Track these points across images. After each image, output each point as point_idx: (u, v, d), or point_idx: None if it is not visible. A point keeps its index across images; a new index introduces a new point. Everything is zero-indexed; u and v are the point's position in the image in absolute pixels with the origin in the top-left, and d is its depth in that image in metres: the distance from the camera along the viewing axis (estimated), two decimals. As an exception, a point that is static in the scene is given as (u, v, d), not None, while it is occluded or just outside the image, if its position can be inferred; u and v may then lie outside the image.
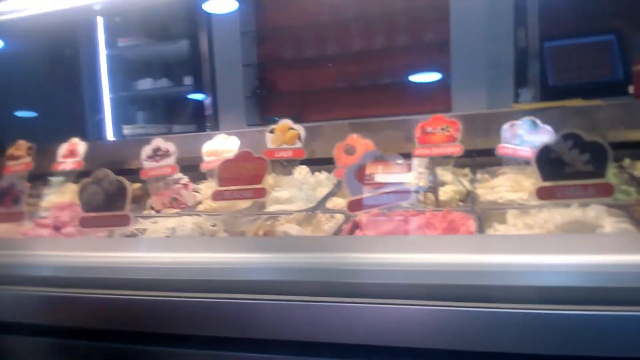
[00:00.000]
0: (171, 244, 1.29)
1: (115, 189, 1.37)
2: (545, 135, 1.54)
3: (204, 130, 4.88)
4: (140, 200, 2.18)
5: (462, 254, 0.96)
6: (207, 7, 3.67)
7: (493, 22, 3.91)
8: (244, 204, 1.88)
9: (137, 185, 2.25)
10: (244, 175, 1.34)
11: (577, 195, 1.03)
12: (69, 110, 5.31)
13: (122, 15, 5.09)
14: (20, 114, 4.79)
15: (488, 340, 0.85)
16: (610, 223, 1.21)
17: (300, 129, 1.90)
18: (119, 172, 1.69)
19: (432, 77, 4.54)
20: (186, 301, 0.98)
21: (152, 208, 2.03)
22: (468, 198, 1.65)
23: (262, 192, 1.35)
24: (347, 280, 0.93)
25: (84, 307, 1.03)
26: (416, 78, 4.61)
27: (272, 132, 1.93)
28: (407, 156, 1.81)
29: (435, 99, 4.33)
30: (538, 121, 1.65)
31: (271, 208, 1.83)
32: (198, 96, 5.21)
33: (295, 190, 1.88)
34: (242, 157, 1.38)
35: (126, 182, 1.37)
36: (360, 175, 1.20)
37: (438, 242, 1.14)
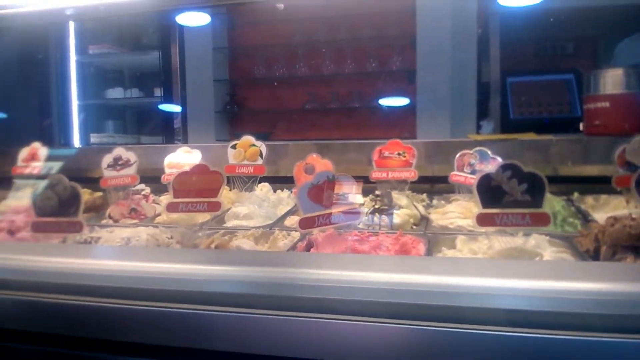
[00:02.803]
0: (123, 252, 1.28)
1: (69, 195, 1.37)
2: (495, 165, 1.61)
3: (173, 143, 4.86)
4: (100, 209, 2.16)
5: (410, 274, 0.99)
6: (180, 19, 3.69)
7: (457, 55, 4.07)
8: (202, 217, 1.89)
9: (99, 194, 2.24)
10: (200, 189, 1.36)
11: (515, 223, 1.08)
12: (37, 115, 5.20)
13: (94, 23, 5.06)
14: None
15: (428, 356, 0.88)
16: (550, 252, 1.27)
17: (262, 145, 1.93)
18: (81, 179, 1.68)
19: (399, 102, 4.67)
20: (134, 309, 0.98)
21: (110, 217, 2.01)
22: (422, 222, 1.70)
23: (216, 206, 1.36)
24: (295, 295, 0.95)
25: (29, 310, 1.02)
26: (384, 103, 4.73)
27: (234, 147, 1.95)
28: (367, 178, 1.87)
29: (401, 125, 4.44)
30: (489, 152, 1.73)
31: (230, 223, 1.84)
32: (170, 108, 5.20)
33: (254, 207, 1.89)
34: (198, 170, 1.40)
35: (80, 189, 1.36)
36: (312, 194, 1.23)
37: (385, 261, 1.17)
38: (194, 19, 3.76)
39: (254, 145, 1.93)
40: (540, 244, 1.27)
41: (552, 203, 1.81)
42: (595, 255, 1.25)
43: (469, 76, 4.08)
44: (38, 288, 1.02)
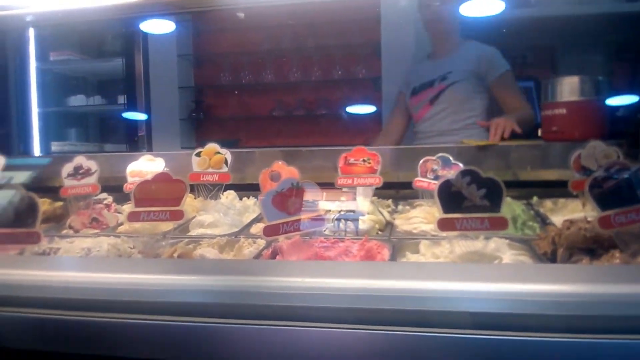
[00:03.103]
0: (82, 263, 1.25)
1: (26, 206, 1.33)
2: (457, 171, 1.65)
3: (138, 151, 4.77)
4: (61, 219, 2.10)
5: (374, 279, 1.00)
6: (144, 27, 3.63)
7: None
8: (166, 226, 1.86)
9: (59, 203, 2.18)
10: (162, 197, 1.34)
11: (475, 228, 1.11)
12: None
13: (55, 29, 4.95)
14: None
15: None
16: (509, 255, 1.30)
17: (227, 153, 1.92)
18: (41, 189, 1.63)
19: (365, 109, 4.73)
20: (94, 321, 0.96)
21: (71, 227, 1.96)
22: (387, 228, 1.72)
23: (179, 215, 1.35)
24: (259, 303, 0.95)
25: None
26: (350, 111, 4.78)
27: (198, 155, 1.93)
28: (333, 185, 1.88)
29: (367, 132, 4.49)
30: (451, 158, 1.76)
31: (194, 232, 1.82)
32: (134, 115, 5.11)
33: (219, 215, 1.88)
34: (160, 178, 1.38)
35: (37, 199, 1.33)
36: (277, 201, 1.23)
37: (348, 267, 1.18)
38: (158, 27, 3.70)
39: (218, 152, 1.92)
40: (500, 248, 1.30)
41: (512, 207, 1.86)
42: (552, 258, 1.28)
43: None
44: (-8, 302, 0.99)
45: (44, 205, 2.43)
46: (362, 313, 0.92)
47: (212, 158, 1.92)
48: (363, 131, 4.52)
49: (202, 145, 2.03)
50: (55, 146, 5.38)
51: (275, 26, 4.55)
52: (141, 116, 4.95)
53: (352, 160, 1.76)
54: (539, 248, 1.35)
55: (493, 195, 1.12)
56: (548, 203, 1.98)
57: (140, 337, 0.95)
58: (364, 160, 1.76)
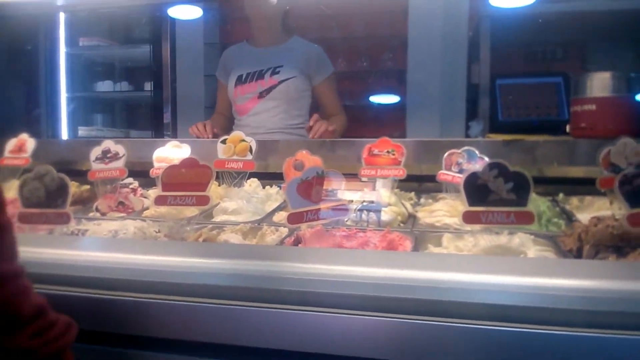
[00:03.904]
0: (110, 244, 1.28)
1: (57, 186, 1.36)
2: (482, 164, 1.63)
3: (162, 137, 4.83)
4: (87, 202, 2.15)
5: (396, 269, 1.01)
6: (172, 12, 3.66)
7: (448, 55, 4.10)
8: (190, 212, 1.89)
9: (86, 187, 2.23)
10: (188, 182, 1.36)
11: (500, 221, 1.10)
12: (25, 106, 5.16)
13: (85, 15, 5.02)
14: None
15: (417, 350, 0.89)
16: (534, 251, 1.29)
17: (251, 141, 1.93)
18: (68, 172, 1.66)
19: (390, 99, 4.69)
20: (121, 300, 0.99)
21: (97, 210, 2.00)
22: (409, 220, 1.72)
23: (205, 200, 1.37)
24: (281, 288, 0.96)
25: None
26: (375, 100, 4.76)
27: (223, 142, 1.95)
28: (356, 176, 1.88)
29: (391, 125, 4.46)
30: (476, 151, 1.75)
31: (218, 218, 1.85)
32: (159, 102, 5.17)
33: (243, 202, 1.90)
34: (187, 163, 1.40)
35: (68, 180, 1.36)
36: (301, 189, 1.24)
37: (370, 256, 1.18)
38: (186, 12, 3.75)
39: (243, 140, 1.93)
40: (525, 243, 1.29)
41: (538, 203, 1.84)
42: (578, 255, 1.27)
43: (459, 77, 4.11)
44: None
45: (72, 188, 2.50)
46: (383, 301, 0.92)
47: (237, 146, 1.93)
48: (387, 123, 4.50)
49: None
50: (82, 131, 5.48)
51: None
52: (167, 103, 5.00)
53: (376, 151, 1.76)
54: (564, 245, 1.34)
55: (520, 189, 1.11)
56: (574, 200, 1.95)
57: (164, 317, 0.97)
58: (388, 152, 1.75)
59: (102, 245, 1.15)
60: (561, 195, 1.99)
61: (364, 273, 0.96)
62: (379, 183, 1.84)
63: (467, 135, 3.76)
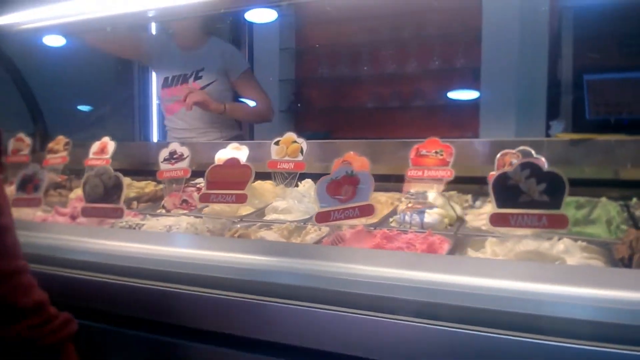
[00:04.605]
0: (140, 236, 1.37)
1: (113, 183, 1.48)
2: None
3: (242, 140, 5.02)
4: (159, 200, 2.31)
5: (427, 272, 0.99)
6: (249, 16, 3.81)
7: (526, 51, 3.88)
8: (245, 210, 1.97)
9: (161, 186, 2.39)
10: (230, 181, 1.42)
11: (531, 225, 1.04)
12: (121, 109, 5.58)
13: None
14: (81, 107, 5.07)
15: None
16: (578, 258, 1.20)
17: (302, 142, 1.97)
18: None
19: (465, 95, 4.54)
20: (147, 288, 1.06)
21: (163, 207, 2.14)
22: (456, 223, 1.66)
23: (243, 198, 1.42)
24: (295, 284, 0.98)
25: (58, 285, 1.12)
26: (449, 100, 4.62)
27: (277, 144, 2.01)
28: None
29: (464, 125, 4.31)
30: (532, 151, 1.65)
31: (269, 217, 1.90)
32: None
33: (293, 202, 1.94)
34: (229, 163, 1.46)
35: (122, 178, 1.47)
36: (331, 188, 1.25)
37: (405, 258, 1.17)
38: (262, 16, 3.89)
39: (295, 142, 1.98)
40: (570, 249, 1.21)
41: (608, 208, 1.70)
42: (629, 263, 1.16)
43: (539, 74, 3.88)
44: (71, 265, 1.13)
45: (149, 187, 2.69)
46: (409, 304, 0.90)
47: (289, 147, 1.98)
48: (460, 124, 4.36)
49: (300, 137, 2.10)
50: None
51: (373, 17, 4.53)
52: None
53: (424, 151, 1.73)
54: (617, 252, 1.23)
55: (554, 190, 1.04)
56: (651, 205, 1.78)
57: (188, 307, 1.02)
58: (436, 152, 1.71)
59: (131, 237, 1.23)
60: (635, 199, 1.82)
61: (386, 274, 0.95)
62: (431, 184, 1.79)
63: (548, 135, 3.54)
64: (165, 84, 3.25)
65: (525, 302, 0.79)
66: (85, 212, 1.49)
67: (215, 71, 3.14)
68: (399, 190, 1.92)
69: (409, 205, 1.69)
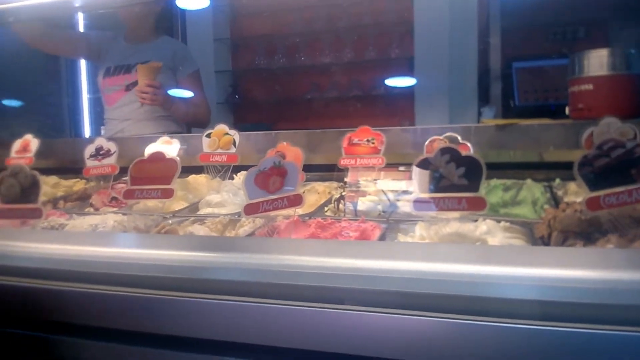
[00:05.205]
0: (61, 236, 1.31)
1: (30, 183, 1.40)
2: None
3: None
4: (89, 198, 2.21)
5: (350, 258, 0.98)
6: (180, 2, 3.70)
7: (457, 41, 4.00)
8: (178, 205, 1.92)
9: (91, 184, 2.29)
10: (155, 176, 1.37)
11: (452, 208, 1.06)
12: (49, 107, 5.32)
13: (102, 14, 5.12)
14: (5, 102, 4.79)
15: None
16: (501, 238, 1.25)
17: (235, 134, 1.94)
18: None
19: (401, 82, 4.61)
20: (68, 290, 1.01)
21: (92, 206, 2.05)
22: (389, 209, 1.69)
23: (169, 193, 1.38)
24: (215, 278, 0.96)
25: None
26: (386, 89, 4.69)
27: (208, 136, 1.97)
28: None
29: (400, 113, 4.40)
30: (459, 137, 1.70)
31: (202, 211, 1.86)
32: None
33: (228, 195, 1.90)
34: (154, 157, 1.41)
35: (39, 177, 1.39)
36: (259, 180, 1.23)
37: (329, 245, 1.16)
38: (194, 2, 3.79)
39: (227, 134, 1.94)
40: (492, 230, 1.25)
41: (532, 190, 1.78)
42: (548, 242, 1.22)
43: (470, 63, 4.01)
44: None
45: (77, 185, 2.57)
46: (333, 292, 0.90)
47: (221, 139, 1.94)
48: (396, 112, 4.44)
49: (239, 129, 2.07)
50: (103, 130, 5.61)
51: (309, 7, 4.52)
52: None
53: (355, 140, 1.74)
54: (537, 231, 1.29)
55: (472, 174, 1.07)
56: (572, 185, 1.87)
57: (104, 306, 0.98)
58: (367, 141, 1.72)
59: (55, 238, 1.17)
60: (557, 180, 1.91)
61: (309, 263, 0.95)
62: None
63: (480, 122, 3.67)
64: (107, 74, 3.18)
65: (442, 283, 0.80)
66: (1, 214, 1.40)
67: (163, 66, 3.08)
68: (341, 180, 1.94)
69: (343, 193, 1.70)
